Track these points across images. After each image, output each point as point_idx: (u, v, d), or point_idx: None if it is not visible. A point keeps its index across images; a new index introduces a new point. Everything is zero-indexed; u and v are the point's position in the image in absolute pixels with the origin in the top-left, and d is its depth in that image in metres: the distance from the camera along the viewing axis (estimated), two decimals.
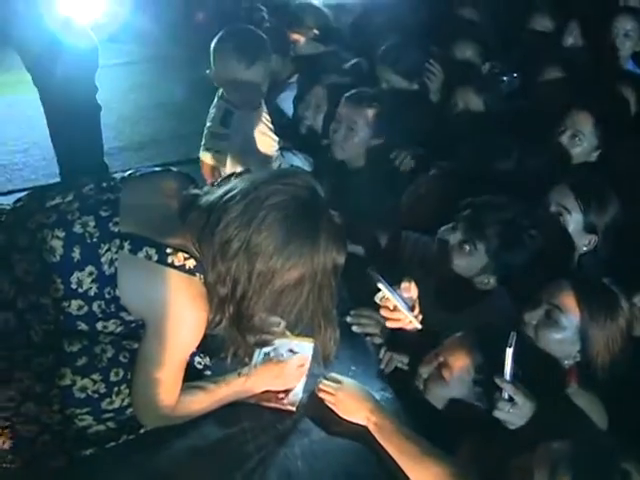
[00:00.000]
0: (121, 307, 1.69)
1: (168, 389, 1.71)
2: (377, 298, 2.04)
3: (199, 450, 1.82)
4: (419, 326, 2.04)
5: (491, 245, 2.17)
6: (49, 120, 3.24)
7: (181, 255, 1.66)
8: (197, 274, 1.68)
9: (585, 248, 2.39)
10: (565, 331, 1.96)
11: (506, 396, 1.75)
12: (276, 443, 1.85)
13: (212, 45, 2.64)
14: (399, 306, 2.00)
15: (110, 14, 4.38)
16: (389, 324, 2.07)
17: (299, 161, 3.09)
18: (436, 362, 1.92)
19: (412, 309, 2.03)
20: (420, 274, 2.20)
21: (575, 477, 1.46)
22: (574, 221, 2.36)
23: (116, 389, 1.73)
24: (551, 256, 2.25)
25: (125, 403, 1.75)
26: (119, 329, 1.75)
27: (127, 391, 1.75)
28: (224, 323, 1.70)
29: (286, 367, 1.98)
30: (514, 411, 1.75)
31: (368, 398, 1.91)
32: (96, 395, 1.72)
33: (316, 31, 3.88)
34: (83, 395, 1.71)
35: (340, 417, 1.90)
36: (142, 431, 1.81)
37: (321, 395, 1.93)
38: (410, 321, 2.03)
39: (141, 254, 1.65)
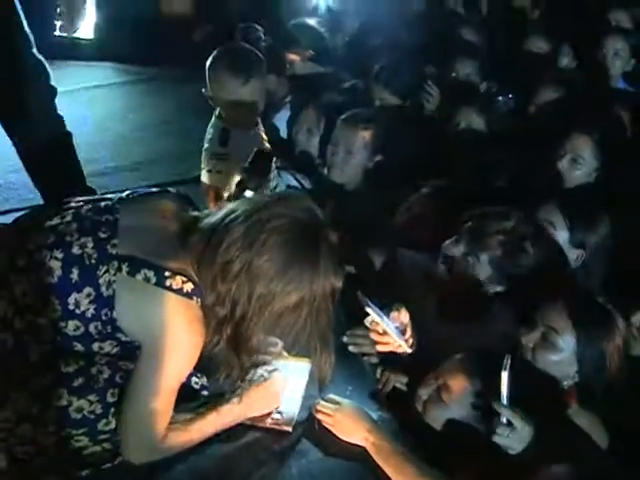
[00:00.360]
0: (118, 328, 1.69)
1: (159, 418, 1.69)
2: (367, 322, 2.06)
3: (198, 471, 1.80)
4: (409, 350, 2.06)
5: (494, 255, 2.18)
6: (23, 161, 3.05)
7: (179, 278, 1.66)
8: (194, 298, 1.67)
9: (574, 263, 2.42)
10: (562, 352, 1.97)
11: (504, 420, 1.74)
12: (273, 463, 1.84)
13: (207, 64, 2.65)
14: (388, 330, 2.01)
15: (108, 34, 4.42)
16: (379, 348, 2.09)
17: (295, 181, 3.10)
18: (435, 384, 1.91)
19: (403, 333, 2.04)
20: (420, 292, 2.22)
21: None
22: (560, 236, 2.39)
23: (112, 410, 1.72)
24: (546, 268, 2.26)
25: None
26: (115, 350, 1.74)
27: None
28: (221, 344, 1.69)
29: (268, 388, 1.93)
30: (513, 436, 1.74)
31: (365, 418, 1.90)
32: (92, 416, 1.71)
33: (312, 52, 3.91)
34: (79, 416, 1.70)
35: (338, 438, 1.89)
36: None
37: (318, 416, 1.92)
38: (400, 345, 2.04)
39: (139, 276, 1.65)
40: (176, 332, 1.65)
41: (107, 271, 1.67)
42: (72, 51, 4.48)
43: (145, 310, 1.66)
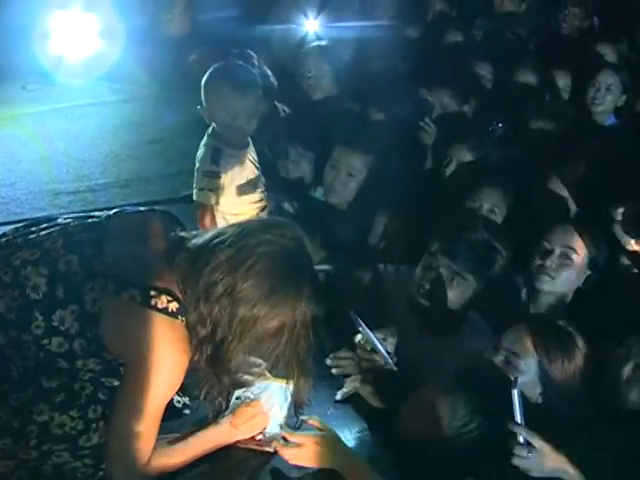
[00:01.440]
0: (102, 346, 1.68)
1: (144, 441, 1.68)
2: (356, 339, 2.12)
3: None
4: (395, 368, 2.09)
5: (477, 268, 2.26)
6: None
7: (164, 297, 1.66)
8: (179, 317, 1.68)
9: (582, 284, 2.49)
10: (525, 375, 1.99)
11: (522, 440, 1.72)
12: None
13: (203, 81, 2.67)
14: (376, 348, 2.07)
15: (101, 53, 4.45)
16: (364, 364, 2.12)
17: (284, 203, 3.11)
18: (420, 403, 1.93)
19: (388, 352, 2.09)
20: (402, 308, 2.28)
21: None
22: (581, 260, 2.45)
23: (94, 426, 1.72)
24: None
25: (102, 440, 1.73)
26: (99, 367, 1.74)
27: (105, 428, 1.73)
28: (201, 363, 1.70)
29: (256, 410, 1.92)
30: (533, 456, 1.72)
31: (337, 445, 1.87)
32: (73, 432, 1.70)
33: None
34: (60, 432, 1.69)
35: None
36: None
37: (285, 457, 1.85)
38: (387, 363, 2.08)
39: (125, 295, 1.65)
40: (161, 352, 1.64)
41: (93, 288, 1.66)
42: (65, 69, 4.50)
43: (130, 329, 1.66)
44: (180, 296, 1.68)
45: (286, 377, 1.84)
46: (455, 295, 2.27)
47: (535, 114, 3.44)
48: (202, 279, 1.65)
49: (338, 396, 2.10)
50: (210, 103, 2.65)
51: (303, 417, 1.93)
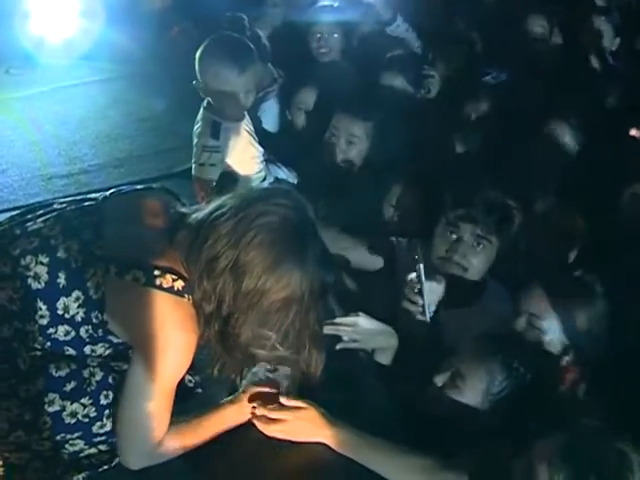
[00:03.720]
0: (109, 331, 1.66)
1: (156, 422, 1.66)
2: (409, 277, 2.14)
3: (197, 469, 1.77)
4: (428, 319, 2.13)
5: (499, 229, 2.22)
6: None
7: (169, 277, 1.63)
8: (186, 295, 1.65)
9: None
10: (549, 334, 2.00)
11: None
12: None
13: (198, 55, 2.61)
14: (423, 292, 2.10)
15: (83, 32, 4.36)
16: (406, 305, 2.15)
17: (283, 174, 3.07)
18: (449, 371, 1.92)
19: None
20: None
21: (573, 466, 1.46)
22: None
23: (107, 412, 1.70)
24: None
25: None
26: (108, 352, 1.72)
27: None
28: (210, 340, 1.67)
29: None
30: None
31: (319, 415, 1.82)
32: (86, 419, 1.68)
33: None
34: (73, 420, 1.68)
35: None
36: None
37: (269, 433, 1.82)
38: (423, 312, 2.12)
39: (128, 277, 1.62)
40: (169, 332, 1.61)
41: (95, 274, 1.63)
42: (47, 49, 4.42)
43: (136, 311, 1.62)
44: (185, 274, 1.65)
45: (297, 349, 1.77)
46: (481, 261, 2.23)
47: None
48: (203, 255, 1.61)
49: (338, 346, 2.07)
50: (206, 79, 2.61)
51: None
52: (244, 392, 1.86)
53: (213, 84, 2.59)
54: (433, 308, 2.15)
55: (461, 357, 1.94)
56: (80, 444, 1.70)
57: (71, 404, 1.67)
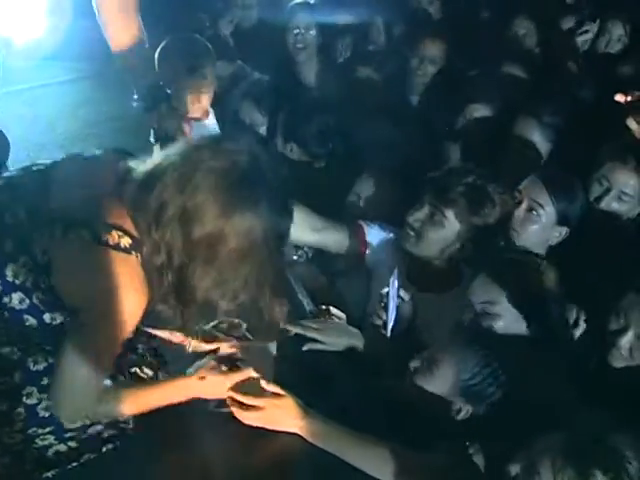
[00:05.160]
0: (58, 298, 1.61)
1: (94, 378, 1.61)
2: (381, 290, 2.16)
3: (165, 469, 1.77)
4: (388, 334, 2.13)
5: (461, 209, 2.18)
6: None
7: (115, 233, 1.57)
8: (133, 252, 1.59)
9: (556, 240, 2.36)
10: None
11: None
12: None
13: (157, 56, 2.60)
14: (388, 309, 2.11)
15: (50, 31, 4.32)
16: (373, 318, 2.19)
17: None
18: (424, 356, 1.92)
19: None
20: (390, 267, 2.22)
21: (578, 465, 1.44)
22: (547, 215, 2.31)
23: None
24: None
25: (88, 421, 1.70)
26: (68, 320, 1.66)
27: None
28: (167, 299, 1.61)
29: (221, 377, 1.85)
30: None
31: (294, 404, 1.82)
32: None
33: None
34: (47, 414, 1.66)
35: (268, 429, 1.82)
36: (104, 450, 1.76)
37: (244, 420, 1.82)
38: (385, 326, 2.13)
39: (72, 235, 1.56)
40: (115, 289, 1.56)
41: (41, 237, 1.58)
42: (13, 51, 4.36)
43: (81, 269, 1.58)
44: (133, 231, 1.59)
45: (258, 299, 1.71)
46: (436, 235, 2.20)
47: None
48: (150, 205, 1.55)
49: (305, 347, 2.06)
50: (166, 78, 2.60)
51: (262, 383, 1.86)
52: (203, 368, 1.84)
53: (173, 82, 2.60)
54: (392, 325, 2.14)
55: (436, 344, 1.95)
56: (50, 439, 1.68)
57: (47, 399, 1.65)
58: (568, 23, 3.84)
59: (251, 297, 1.66)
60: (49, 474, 1.70)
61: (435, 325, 2.20)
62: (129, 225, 1.59)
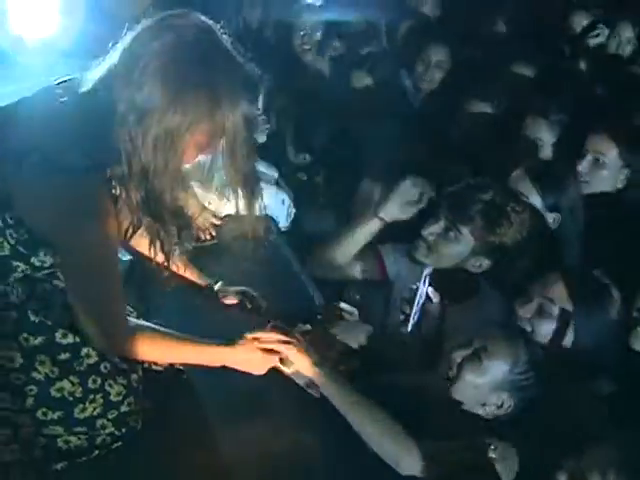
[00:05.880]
0: (29, 231, 1.54)
1: (110, 303, 1.57)
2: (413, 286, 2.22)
3: (175, 468, 1.76)
4: (408, 329, 2.19)
5: (476, 226, 2.16)
6: None
7: (70, 155, 1.44)
8: (92, 172, 1.46)
9: (552, 226, 2.42)
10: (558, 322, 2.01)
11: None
12: None
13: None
14: (414, 302, 2.16)
15: (63, 29, 4.32)
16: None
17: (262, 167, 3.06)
18: (472, 347, 1.89)
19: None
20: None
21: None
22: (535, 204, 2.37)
23: (91, 396, 1.68)
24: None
25: (96, 413, 1.70)
26: (54, 259, 1.59)
27: (101, 400, 1.69)
28: (136, 214, 1.53)
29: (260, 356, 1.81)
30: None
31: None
32: (71, 398, 1.66)
33: None
34: (59, 395, 1.65)
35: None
36: (114, 447, 1.75)
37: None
38: (406, 320, 2.20)
39: (26, 165, 1.45)
40: (77, 213, 1.46)
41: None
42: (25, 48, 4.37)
43: (41, 199, 1.47)
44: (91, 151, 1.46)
45: (234, 194, 1.61)
46: (450, 250, 2.20)
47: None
48: (101, 107, 1.43)
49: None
50: None
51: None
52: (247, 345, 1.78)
53: None
54: (414, 322, 2.18)
55: (487, 335, 1.91)
56: (59, 430, 1.68)
57: (60, 380, 1.64)
58: (579, 24, 3.82)
59: (220, 194, 1.59)
60: (58, 466, 1.70)
61: (451, 333, 2.19)
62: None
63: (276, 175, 3.05)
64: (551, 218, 2.42)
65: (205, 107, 1.43)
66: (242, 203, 1.61)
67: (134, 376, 1.78)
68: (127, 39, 1.47)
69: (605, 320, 2.03)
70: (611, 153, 2.55)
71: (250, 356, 1.79)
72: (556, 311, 2.01)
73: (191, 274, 2.06)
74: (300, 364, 1.80)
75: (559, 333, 2.02)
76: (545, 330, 2.02)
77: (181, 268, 1.99)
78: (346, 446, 1.79)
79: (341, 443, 1.81)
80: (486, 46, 3.82)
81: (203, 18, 1.50)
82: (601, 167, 2.56)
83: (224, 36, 1.49)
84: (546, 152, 2.82)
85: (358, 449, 1.76)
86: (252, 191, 1.61)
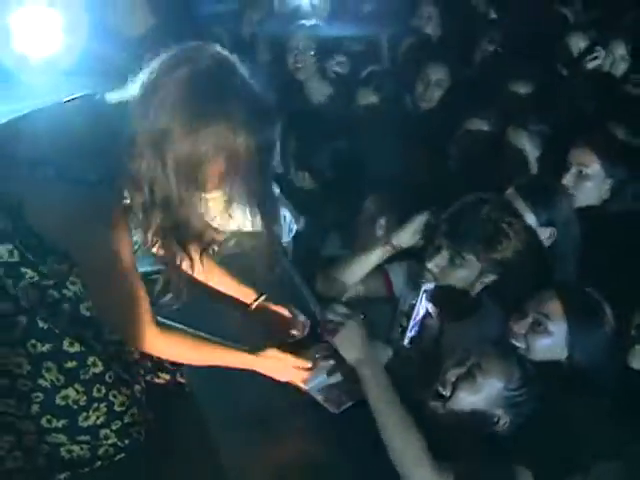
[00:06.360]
0: (39, 237, 1.55)
1: (134, 302, 1.58)
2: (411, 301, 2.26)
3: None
4: (405, 342, 2.22)
5: (478, 250, 2.17)
6: None
7: (79, 166, 1.47)
8: (105, 185, 1.48)
9: (547, 242, 2.44)
10: (554, 337, 2.02)
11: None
12: None
13: None
14: (411, 315, 2.19)
15: (67, 47, 4.36)
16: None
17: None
18: (467, 364, 1.89)
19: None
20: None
21: None
22: (528, 222, 2.38)
23: (95, 405, 1.69)
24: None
25: (99, 422, 1.71)
26: (66, 266, 1.61)
27: (105, 409, 1.71)
28: (160, 238, 1.55)
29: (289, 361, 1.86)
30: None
31: (366, 343, 1.85)
32: (75, 406, 1.67)
33: None
34: (63, 403, 1.66)
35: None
36: (117, 459, 1.76)
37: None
38: (402, 333, 2.23)
39: (39, 174, 1.48)
40: (89, 226, 1.48)
41: (8, 179, 1.53)
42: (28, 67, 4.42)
43: (52, 211, 1.50)
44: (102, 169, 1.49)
45: (251, 216, 1.62)
46: (459, 276, 2.21)
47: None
48: (121, 137, 1.45)
49: None
50: None
51: None
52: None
53: None
54: (411, 335, 2.20)
55: (480, 352, 1.91)
56: (62, 438, 1.69)
57: (65, 382, 1.65)
58: (576, 45, 3.87)
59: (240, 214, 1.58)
60: (61, 476, 1.71)
61: (454, 349, 2.15)
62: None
63: (277, 191, 3.07)
64: (547, 233, 2.44)
65: (223, 137, 1.45)
66: (258, 222, 1.64)
67: (137, 387, 1.80)
68: (146, 71, 1.50)
69: (598, 336, 2.05)
70: (594, 165, 2.61)
71: (277, 364, 1.83)
72: (551, 327, 2.03)
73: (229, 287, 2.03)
74: (349, 344, 1.82)
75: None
76: (540, 346, 2.04)
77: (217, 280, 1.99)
78: (355, 462, 1.78)
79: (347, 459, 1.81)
80: (484, 65, 3.86)
81: (219, 49, 1.53)
82: (585, 179, 2.62)
83: (241, 66, 1.52)
84: (531, 167, 2.88)
85: (370, 468, 1.76)
86: (271, 214, 1.65)
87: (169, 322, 1.72)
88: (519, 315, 2.08)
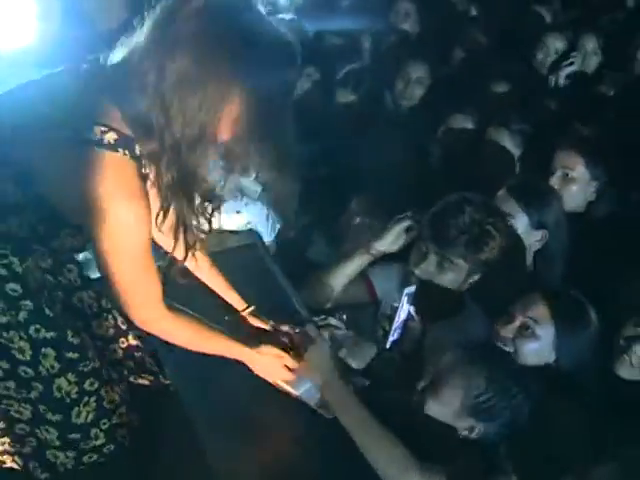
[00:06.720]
0: (52, 208, 1.52)
1: (146, 283, 1.55)
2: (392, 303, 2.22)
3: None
4: (387, 345, 2.18)
5: (467, 252, 2.17)
6: None
7: (97, 129, 1.40)
8: (120, 150, 1.41)
9: (538, 244, 2.46)
10: (541, 341, 2.02)
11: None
12: None
13: None
14: (394, 319, 2.15)
15: (38, 38, 4.28)
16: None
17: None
18: (431, 376, 1.90)
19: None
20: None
21: None
22: (521, 224, 2.41)
23: (86, 399, 1.66)
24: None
25: (89, 419, 1.68)
26: (73, 242, 1.60)
27: (94, 405, 1.68)
28: (169, 193, 1.47)
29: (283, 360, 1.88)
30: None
31: (332, 360, 1.89)
32: (68, 399, 1.64)
33: None
34: (59, 395, 1.63)
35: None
36: (101, 461, 1.74)
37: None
38: (385, 336, 2.19)
39: (51, 134, 1.42)
40: (107, 191, 1.41)
41: (15, 143, 1.49)
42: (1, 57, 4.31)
43: (65, 173, 1.43)
44: (124, 128, 1.42)
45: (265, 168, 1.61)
46: (448, 279, 2.21)
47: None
48: (130, 79, 1.39)
49: None
50: None
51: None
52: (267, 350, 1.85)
53: None
54: (393, 339, 2.18)
55: (440, 362, 1.92)
56: (54, 434, 1.66)
57: (60, 373, 1.62)
58: (553, 46, 3.87)
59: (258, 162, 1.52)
60: (42, 477, 1.71)
61: (435, 351, 2.15)
62: (119, 121, 1.42)
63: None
64: (539, 235, 2.44)
65: (241, 74, 1.37)
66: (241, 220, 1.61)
67: (122, 386, 1.80)
68: (154, 13, 1.42)
69: (584, 338, 2.05)
70: (579, 167, 2.64)
71: (270, 361, 1.85)
72: (539, 331, 2.03)
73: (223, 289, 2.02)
74: (316, 364, 1.86)
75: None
76: (528, 350, 2.04)
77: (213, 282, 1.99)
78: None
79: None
80: (464, 63, 3.87)
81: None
82: (570, 182, 2.65)
83: (258, 3, 1.45)
84: (514, 166, 2.88)
85: (358, 469, 1.75)
86: (286, 166, 1.61)
87: (175, 304, 1.68)
88: (506, 319, 2.07)
